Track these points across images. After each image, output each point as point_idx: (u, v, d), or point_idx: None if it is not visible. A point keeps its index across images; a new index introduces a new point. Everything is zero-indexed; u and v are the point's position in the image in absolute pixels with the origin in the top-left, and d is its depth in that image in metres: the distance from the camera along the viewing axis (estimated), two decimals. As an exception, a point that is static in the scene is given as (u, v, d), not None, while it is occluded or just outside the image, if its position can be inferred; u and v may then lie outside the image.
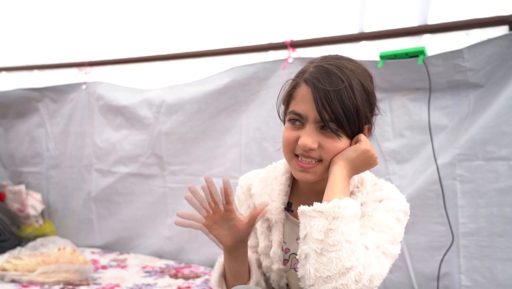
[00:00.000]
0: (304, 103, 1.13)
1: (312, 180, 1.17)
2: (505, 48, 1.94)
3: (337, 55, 1.22)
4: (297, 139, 1.14)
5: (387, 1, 2.31)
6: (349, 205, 1.08)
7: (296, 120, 1.15)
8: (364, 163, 1.17)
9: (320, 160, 1.15)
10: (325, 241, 1.04)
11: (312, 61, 1.20)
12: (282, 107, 1.24)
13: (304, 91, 1.14)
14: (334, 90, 1.10)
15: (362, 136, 1.16)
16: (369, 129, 1.22)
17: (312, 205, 1.09)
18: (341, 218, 1.05)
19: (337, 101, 1.10)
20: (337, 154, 1.14)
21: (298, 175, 1.18)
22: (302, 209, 1.10)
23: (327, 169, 1.16)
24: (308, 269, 1.06)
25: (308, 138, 1.12)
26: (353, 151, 1.15)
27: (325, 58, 1.19)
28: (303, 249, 1.08)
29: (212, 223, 1.18)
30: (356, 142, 1.16)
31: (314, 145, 1.13)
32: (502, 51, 1.94)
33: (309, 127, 1.13)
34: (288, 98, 1.20)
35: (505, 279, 1.96)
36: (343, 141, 1.14)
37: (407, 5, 2.23)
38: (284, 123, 1.22)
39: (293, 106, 1.16)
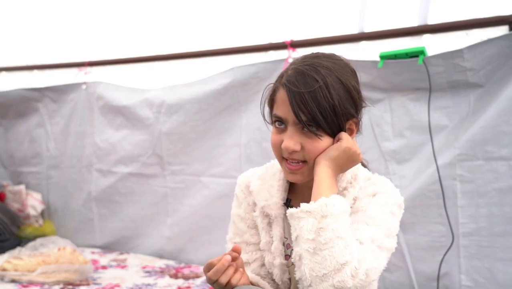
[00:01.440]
0: (283, 106, 1.16)
1: (301, 181, 1.21)
2: (505, 48, 1.94)
3: (317, 53, 1.23)
4: (281, 143, 1.17)
5: (387, 1, 2.30)
6: (337, 202, 1.09)
7: (281, 123, 1.18)
8: (348, 160, 1.18)
9: (304, 161, 1.17)
10: (317, 240, 1.05)
11: (293, 62, 1.22)
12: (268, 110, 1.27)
13: (282, 95, 1.17)
14: (308, 92, 1.11)
15: (343, 134, 1.17)
16: (357, 124, 1.22)
17: (310, 198, 1.10)
18: (330, 216, 1.06)
19: (312, 102, 1.11)
20: (319, 154, 1.16)
21: (289, 177, 1.21)
22: (290, 211, 1.11)
23: (313, 169, 1.17)
24: (303, 270, 1.06)
25: (290, 141, 1.15)
26: (335, 150, 1.16)
27: (303, 59, 1.21)
28: (296, 251, 1.09)
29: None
30: (337, 141, 1.17)
31: (296, 147, 1.15)
32: (502, 51, 1.94)
33: (290, 130, 1.16)
34: (271, 102, 1.23)
35: (505, 279, 1.96)
36: (325, 141, 1.16)
37: (407, 5, 2.23)
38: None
39: (275, 110, 1.20)
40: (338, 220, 1.06)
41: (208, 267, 1.12)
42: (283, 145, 1.16)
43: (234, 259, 1.12)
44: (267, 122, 1.28)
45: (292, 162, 1.18)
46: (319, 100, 1.11)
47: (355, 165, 1.21)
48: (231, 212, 1.38)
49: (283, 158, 1.19)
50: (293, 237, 1.10)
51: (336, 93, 1.13)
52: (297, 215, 1.09)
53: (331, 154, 1.15)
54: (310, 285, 1.05)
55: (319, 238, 1.05)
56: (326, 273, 1.03)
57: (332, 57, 1.20)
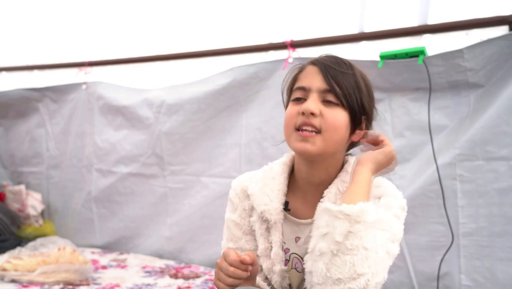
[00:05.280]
0: (309, 77, 1.17)
1: (311, 151, 1.15)
2: (505, 48, 1.94)
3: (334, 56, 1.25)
4: (299, 112, 1.15)
5: (387, 1, 2.31)
6: (372, 210, 1.07)
7: (300, 99, 1.17)
8: (386, 164, 1.19)
9: (318, 132, 1.14)
10: (343, 244, 1.03)
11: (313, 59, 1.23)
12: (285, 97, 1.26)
13: (309, 69, 1.18)
14: (340, 70, 1.14)
15: (384, 137, 1.19)
16: (366, 125, 1.21)
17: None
18: (363, 223, 1.05)
19: (342, 77, 1.14)
20: (365, 156, 1.16)
21: (298, 146, 1.16)
22: (327, 206, 1.07)
23: (326, 143, 1.14)
24: (319, 266, 1.05)
25: (311, 103, 1.14)
26: (383, 154, 1.17)
27: (325, 55, 1.23)
28: (320, 246, 1.06)
29: None
30: (380, 143, 1.18)
31: (316, 110, 1.13)
32: (502, 51, 1.94)
33: (312, 96, 1.15)
34: (292, 83, 1.23)
35: (505, 279, 1.96)
36: (344, 117, 1.15)
37: (407, 5, 2.23)
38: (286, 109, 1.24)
39: (298, 83, 1.19)
40: (368, 229, 1.05)
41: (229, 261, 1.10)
42: (303, 107, 1.13)
43: (244, 262, 1.11)
44: (284, 105, 1.26)
45: (306, 130, 1.14)
46: (348, 78, 1.14)
47: (387, 170, 1.22)
48: (225, 217, 1.34)
49: (295, 129, 1.16)
50: (320, 232, 1.07)
51: (361, 81, 1.16)
52: (335, 214, 1.06)
53: (379, 158, 1.15)
54: (319, 284, 1.04)
55: (346, 241, 1.03)
56: (341, 278, 1.02)
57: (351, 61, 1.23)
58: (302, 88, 1.17)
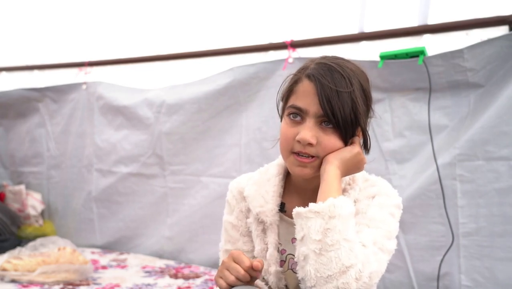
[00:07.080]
0: (306, 97, 1.14)
1: (309, 175, 1.17)
2: (505, 48, 1.94)
3: (336, 56, 1.23)
4: (295, 137, 1.14)
5: (387, 1, 2.31)
6: (344, 203, 1.08)
7: (297, 115, 1.15)
8: (354, 166, 1.18)
9: (314, 156, 1.15)
10: (324, 241, 1.04)
11: (312, 59, 1.21)
12: (281, 104, 1.25)
13: (306, 86, 1.15)
14: (336, 88, 1.11)
15: (356, 139, 1.17)
16: (361, 132, 1.20)
17: (307, 204, 1.09)
18: (338, 217, 1.05)
19: (338, 99, 1.11)
20: (330, 153, 1.15)
21: (296, 170, 1.17)
22: (298, 210, 1.09)
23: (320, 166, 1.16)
24: (308, 270, 1.05)
25: (308, 132, 1.12)
26: (348, 152, 1.15)
27: (325, 57, 1.20)
28: (301, 250, 1.08)
29: None
30: (351, 144, 1.17)
31: (313, 140, 1.13)
32: (502, 51, 1.94)
33: (308, 122, 1.14)
34: (287, 93, 1.20)
35: (505, 279, 1.96)
36: (339, 138, 1.15)
37: (407, 5, 2.23)
38: (281, 119, 1.22)
39: (293, 101, 1.17)
40: (345, 222, 1.05)
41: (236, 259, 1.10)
42: (299, 136, 1.13)
43: (255, 269, 1.10)
44: (279, 114, 1.25)
45: (303, 156, 1.15)
46: (345, 98, 1.11)
47: (357, 172, 1.21)
48: (223, 219, 1.35)
49: (292, 152, 1.16)
50: (298, 236, 1.09)
51: (358, 95, 1.14)
52: (305, 214, 1.07)
53: (344, 155, 1.15)
54: (314, 286, 1.05)
55: (326, 239, 1.04)
56: (331, 275, 1.02)
57: (351, 62, 1.21)
58: (299, 109, 1.15)
